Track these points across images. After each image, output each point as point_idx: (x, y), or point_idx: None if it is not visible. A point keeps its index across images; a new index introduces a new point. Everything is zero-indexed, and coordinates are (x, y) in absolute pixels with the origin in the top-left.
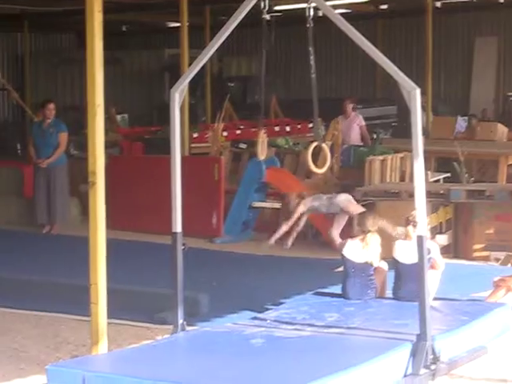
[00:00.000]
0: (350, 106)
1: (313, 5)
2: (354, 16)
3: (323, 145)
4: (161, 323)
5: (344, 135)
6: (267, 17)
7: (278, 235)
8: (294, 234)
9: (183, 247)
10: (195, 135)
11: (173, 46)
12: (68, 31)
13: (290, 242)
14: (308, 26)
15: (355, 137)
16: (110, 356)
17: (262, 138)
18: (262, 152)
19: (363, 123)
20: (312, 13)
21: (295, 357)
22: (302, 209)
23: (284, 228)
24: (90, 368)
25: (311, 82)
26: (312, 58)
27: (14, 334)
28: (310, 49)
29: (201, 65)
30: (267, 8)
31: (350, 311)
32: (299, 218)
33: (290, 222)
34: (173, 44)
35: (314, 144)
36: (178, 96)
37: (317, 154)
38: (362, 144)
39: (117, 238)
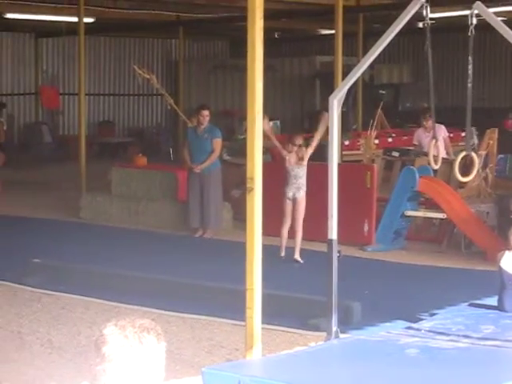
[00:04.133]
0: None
1: (475, 12)
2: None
3: (473, 154)
4: (313, 330)
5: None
6: (427, 23)
7: None
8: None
9: (338, 254)
10: (346, 143)
11: (324, 53)
12: (222, 38)
13: None
14: (469, 34)
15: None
16: (265, 361)
17: (436, 147)
18: (436, 161)
19: (447, 134)
20: (474, 21)
21: (450, 368)
22: None
23: None
24: (246, 372)
25: (467, 91)
26: (471, 66)
27: (169, 337)
28: (470, 58)
29: (360, 73)
30: (429, 15)
31: (507, 324)
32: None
33: None
34: (324, 51)
35: (464, 153)
36: (337, 103)
37: (469, 165)
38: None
39: (269, 244)
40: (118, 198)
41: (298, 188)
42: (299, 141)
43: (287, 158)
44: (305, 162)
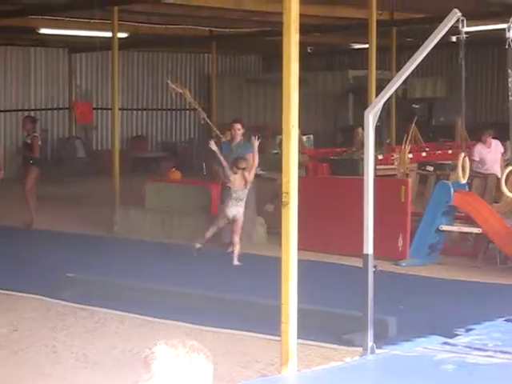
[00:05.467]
0: (488, 136)
1: None
2: None
3: None
4: (348, 345)
5: (493, 164)
6: (462, 37)
7: None
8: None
9: (374, 269)
10: (380, 157)
11: (357, 68)
12: (254, 52)
13: None
14: (507, 47)
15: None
16: (300, 376)
17: (463, 162)
18: (464, 175)
19: (503, 150)
20: None
21: None
22: None
23: None
24: None
25: (509, 104)
26: (511, 79)
27: None
28: (510, 71)
29: (395, 87)
30: (464, 29)
31: None
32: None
33: None
34: (357, 65)
35: (510, 168)
36: (372, 118)
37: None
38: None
39: (304, 259)
40: (151, 213)
41: (238, 210)
42: (243, 164)
43: (232, 179)
44: (248, 186)
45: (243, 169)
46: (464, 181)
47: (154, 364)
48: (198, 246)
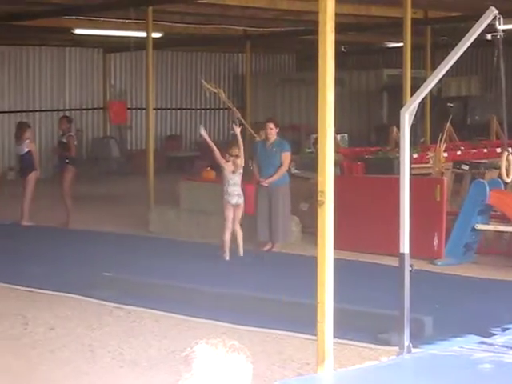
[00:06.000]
0: None
1: None
2: None
3: None
4: (384, 344)
5: None
6: (500, 35)
7: None
8: None
9: (410, 268)
10: (415, 156)
11: (391, 66)
12: (288, 52)
13: None
14: None
15: None
16: (336, 375)
17: (508, 160)
18: (508, 174)
19: None
20: None
21: None
22: None
23: None
24: None
25: None
26: None
27: None
28: None
29: (431, 85)
30: (501, 27)
31: None
32: None
33: None
34: (391, 64)
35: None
36: (408, 116)
37: None
38: None
39: (339, 258)
40: (186, 212)
41: (239, 195)
42: (235, 151)
43: (226, 167)
44: (241, 170)
45: (236, 156)
46: (508, 179)
47: (195, 363)
48: (224, 258)
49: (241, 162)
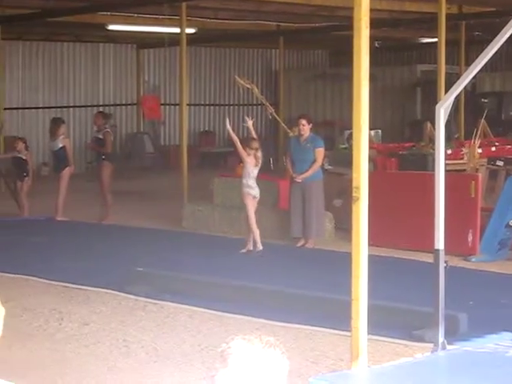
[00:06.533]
0: None
1: None
2: None
3: None
4: (419, 341)
5: None
6: None
7: None
8: None
9: (445, 265)
10: (449, 152)
11: (425, 62)
12: (321, 47)
13: None
14: None
15: None
16: (371, 372)
17: None
18: None
19: None
20: None
21: None
22: None
23: None
24: (352, 383)
25: None
26: None
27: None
28: None
29: (466, 81)
30: None
31: None
32: None
33: None
34: (425, 59)
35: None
36: (443, 112)
37: None
38: None
39: (373, 254)
40: (219, 208)
41: (257, 187)
42: (255, 145)
43: (248, 160)
44: (259, 164)
45: (256, 149)
46: None
47: (231, 358)
48: (258, 249)
49: (260, 155)
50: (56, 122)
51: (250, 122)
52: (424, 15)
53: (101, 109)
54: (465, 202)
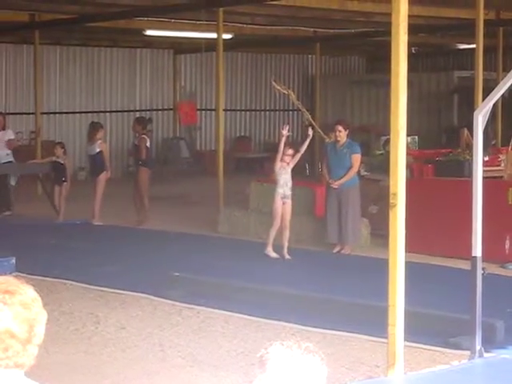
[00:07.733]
0: None
1: None
2: None
3: None
4: (455, 348)
5: None
6: None
7: None
8: None
9: (483, 272)
10: (486, 158)
11: (462, 68)
12: (358, 53)
13: None
14: None
15: None
16: (407, 379)
17: None
18: None
19: None
20: None
21: None
22: None
23: None
24: None
25: None
26: None
27: None
28: None
29: (505, 88)
30: None
31: None
32: None
33: None
34: (462, 66)
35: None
36: (482, 119)
37: None
38: None
39: (409, 261)
40: (255, 213)
41: (289, 191)
42: (291, 151)
43: (283, 166)
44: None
45: (291, 155)
46: None
47: (270, 364)
48: (286, 255)
49: (292, 162)
50: (95, 127)
51: (311, 133)
52: (461, 21)
53: (137, 114)
54: (502, 208)
